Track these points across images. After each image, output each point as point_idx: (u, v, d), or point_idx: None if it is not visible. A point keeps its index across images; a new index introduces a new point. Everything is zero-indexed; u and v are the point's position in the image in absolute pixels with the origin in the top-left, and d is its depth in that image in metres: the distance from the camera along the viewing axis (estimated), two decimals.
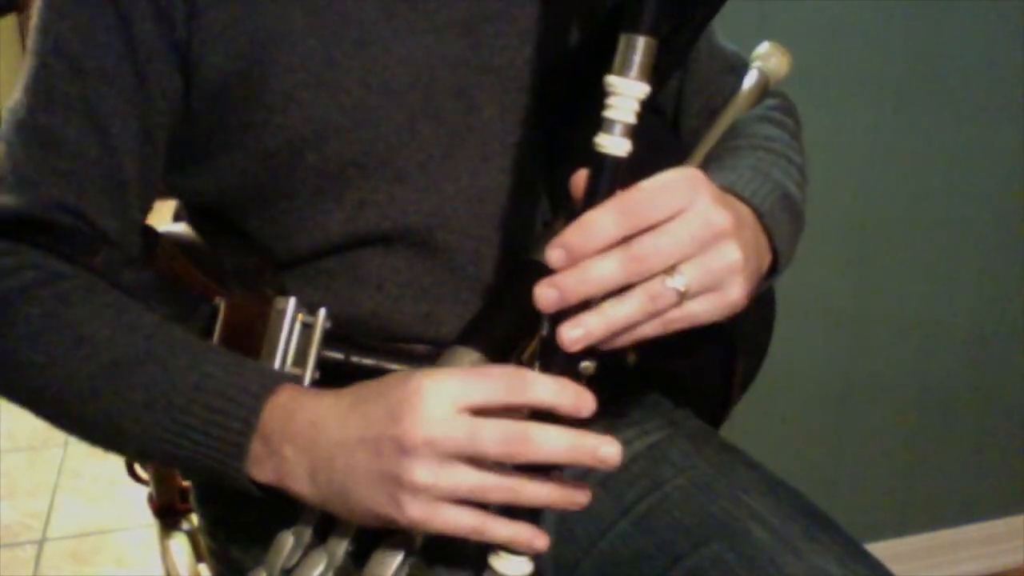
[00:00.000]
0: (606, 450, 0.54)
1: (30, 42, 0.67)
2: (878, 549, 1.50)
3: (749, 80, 0.79)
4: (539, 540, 0.57)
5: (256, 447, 0.59)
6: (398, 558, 0.59)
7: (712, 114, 0.78)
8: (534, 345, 0.65)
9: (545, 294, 0.54)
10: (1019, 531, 1.82)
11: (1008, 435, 1.77)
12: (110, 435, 0.63)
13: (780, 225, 0.65)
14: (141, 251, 0.72)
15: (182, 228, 0.79)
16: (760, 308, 0.81)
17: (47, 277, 0.64)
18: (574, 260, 0.53)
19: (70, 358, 0.62)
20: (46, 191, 0.66)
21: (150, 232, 0.75)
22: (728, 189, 0.63)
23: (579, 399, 0.54)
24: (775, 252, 0.65)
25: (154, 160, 0.69)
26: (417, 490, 0.54)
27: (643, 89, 0.55)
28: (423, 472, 0.53)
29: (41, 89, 0.66)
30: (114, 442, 0.64)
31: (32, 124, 0.66)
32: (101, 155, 0.66)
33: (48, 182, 0.66)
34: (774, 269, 0.66)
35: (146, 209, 0.72)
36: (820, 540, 0.68)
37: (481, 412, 0.54)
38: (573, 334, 0.54)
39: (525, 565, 0.58)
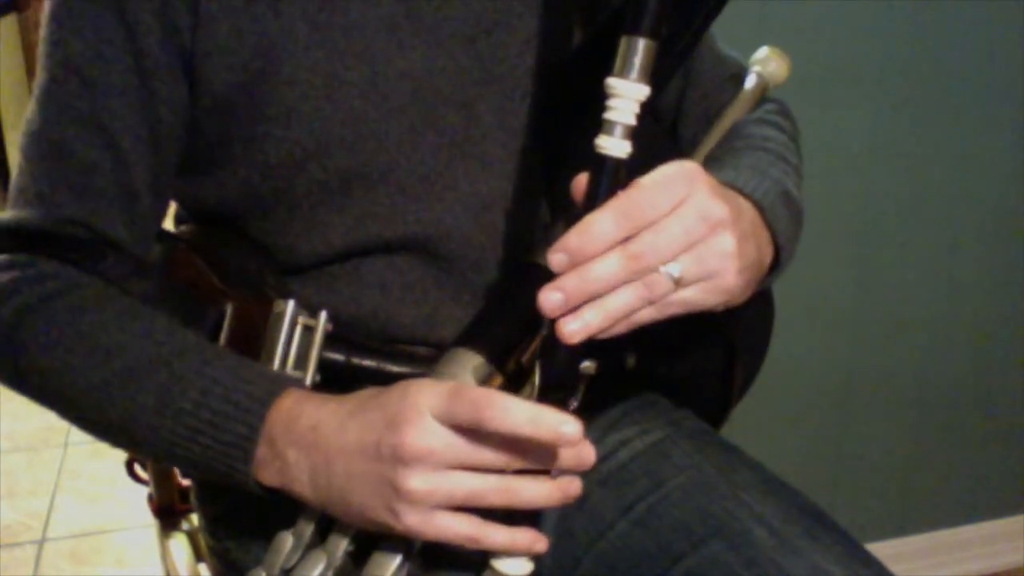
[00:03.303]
0: (587, 452, 0.55)
1: (40, 55, 0.68)
2: (878, 549, 1.50)
3: (748, 84, 0.79)
4: (539, 544, 0.57)
5: (262, 451, 0.59)
6: (397, 558, 0.59)
7: (712, 120, 0.78)
8: (534, 347, 0.65)
9: (549, 298, 0.54)
10: (1019, 531, 1.82)
11: (1008, 435, 1.77)
12: (126, 438, 0.65)
13: (781, 220, 0.66)
14: (159, 256, 0.74)
15: (190, 229, 0.79)
16: (759, 310, 0.81)
17: (65, 288, 0.66)
18: (576, 263, 0.54)
19: (85, 366, 0.63)
20: (60, 206, 0.67)
21: (166, 236, 0.76)
22: (729, 186, 0.63)
23: (558, 431, 0.52)
24: (776, 247, 0.66)
25: (164, 170, 0.70)
26: (414, 499, 0.54)
27: (643, 91, 0.55)
28: (420, 481, 0.54)
29: (52, 103, 0.67)
30: (131, 444, 0.66)
31: (45, 138, 0.67)
32: (112, 167, 0.67)
33: (62, 197, 0.67)
34: (776, 265, 0.66)
35: (160, 217, 0.73)
36: (820, 540, 0.68)
37: None
38: (572, 326, 0.54)
39: (525, 565, 0.58)
